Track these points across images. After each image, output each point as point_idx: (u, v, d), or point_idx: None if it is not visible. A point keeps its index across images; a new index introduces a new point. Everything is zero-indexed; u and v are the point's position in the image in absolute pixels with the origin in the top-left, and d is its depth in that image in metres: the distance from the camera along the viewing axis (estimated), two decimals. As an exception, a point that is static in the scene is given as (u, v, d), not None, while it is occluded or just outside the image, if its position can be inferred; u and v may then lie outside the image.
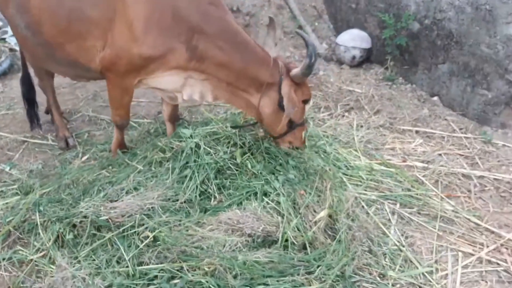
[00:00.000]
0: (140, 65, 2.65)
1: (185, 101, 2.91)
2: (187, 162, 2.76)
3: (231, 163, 2.83)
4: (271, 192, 2.65)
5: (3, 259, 2.50)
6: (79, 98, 4.58)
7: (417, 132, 4.00)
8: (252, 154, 2.92)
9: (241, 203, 2.65)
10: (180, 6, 2.58)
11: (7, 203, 2.95)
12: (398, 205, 3.03)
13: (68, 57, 2.80)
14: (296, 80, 2.74)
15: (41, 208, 2.71)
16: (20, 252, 2.54)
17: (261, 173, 2.80)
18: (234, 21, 2.76)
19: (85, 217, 2.47)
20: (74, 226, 2.53)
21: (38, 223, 2.63)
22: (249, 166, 2.82)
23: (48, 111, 4.00)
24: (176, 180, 2.68)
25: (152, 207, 2.49)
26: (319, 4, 6.32)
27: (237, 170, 2.82)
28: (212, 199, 2.68)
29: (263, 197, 2.64)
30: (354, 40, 5.22)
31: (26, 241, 2.64)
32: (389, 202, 3.03)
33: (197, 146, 2.84)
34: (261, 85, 2.72)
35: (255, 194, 2.68)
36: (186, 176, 2.69)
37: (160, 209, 2.49)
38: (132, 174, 2.76)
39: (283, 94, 2.73)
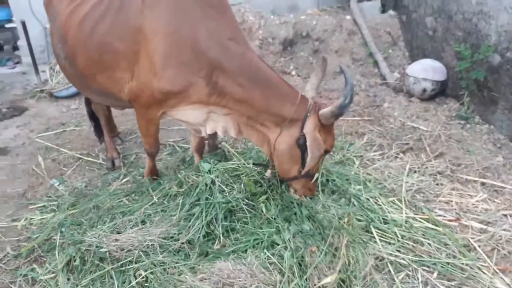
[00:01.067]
0: (160, 99, 2.65)
1: (209, 134, 2.85)
2: (198, 199, 2.68)
3: (244, 204, 2.68)
4: (278, 244, 2.43)
5: (20, 274, 2.66)
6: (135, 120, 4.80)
7: (483, 184, 3.42)
8: (270, 196, 2.74)
9: (246, 250, 2.48)
10: (199, 40, 2.54)
11: (42, 218, 3.17)
12: (435, 274, 2.57)
13: (100, 87, 2.92)
14: (324, 120, 2.54)
15: (63, 229, 2.84)
16: (36, 270, 2.68)
17: (275, 219, 2.60)
18: (257, 57, 2.64)
19: (90, 245, 2.50)
20: (84, 252, 2.60)
21: (57, 244, 2.76)
22: (264, 210, 2.64)
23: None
24: (183, 217, 2.61)
25: (152, 244, 2.44)
26: (394, 30, 5.88)
27: (250, 212, 2.66)
28: (216, 242, 2.54)
29: (269, 248, 2.43)
30: (425, 71, 4.72)
31: (45, 259, 2.78)
32: (424, 270, 2.58)
33: (213, 182, 2.74)
34: (283, 120, 2.57)
35: (263, 243, 2.48)
36: (193, 214, 2.61)
37: (159, 248, 2.42)
38: (146, 205, 2.75)
39: (306, 133, 2.56)
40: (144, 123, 2.93)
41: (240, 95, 2.58)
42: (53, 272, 2.60)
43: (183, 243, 2.48)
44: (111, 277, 2.40)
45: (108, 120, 4.05)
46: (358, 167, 3.58)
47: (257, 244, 2.50)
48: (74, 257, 2.57)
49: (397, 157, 3.81)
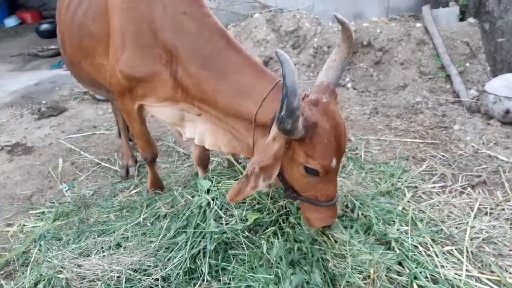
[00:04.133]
0: (126, 86, 2.24)
1: (189, 139, 2.32)
2: (186, 225, 2.15)
3: (244, 237, 2.10)
4: (274, 298, 1.82)
5: (-15, 292, 2.32)
6: (168, 127, 4.45)
7: None
8: (279, 228, 2.13)
9: (235, 299, 1.90)
10: (155, 18, 2.05)
11: (34, 226, 2.85)
12: None
13: (88, 76, 2.66)
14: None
15: (42, 243, 2.47)
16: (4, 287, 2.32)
17: (278, 261, 1.98)
18: (218, 36, 1.99)
19: (52, 268, 2.09)
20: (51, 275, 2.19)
21: (32, 260, 2.40)
22: (264, 248, 2.03)
23: (120, 134, 3.93)
24: (164, 245, 2.09)
25: (118, 277, 1.95)
26: (474, 40, 4.96)
27: (248, 248, 2.07)
28: (199, 282, 1.99)
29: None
30: (510, 88, 3.80)
31: (18, 275, 2.42)
32: None
33: (209, 205, 2.21)
34: (249, 123, 1.93)
35: (257, 292, 1.88)
36: (177, 244, 2.08)
37: (126, 282, 1.92)
38: (128, 225, 2.28)
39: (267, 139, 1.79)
40: (127, 118, 2.54)
41: (194, 88, 2.03)
42: (16, 294, 2.23)
43: (157, 279, 1.96)
44: (68, 312, 1.96)
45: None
46: (408, 201, 2.82)
47: (250, 292, 1.90)
48: (39, 279, 2.18)
49: (463, 193, 2.97)
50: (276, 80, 1.91)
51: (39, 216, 3.02)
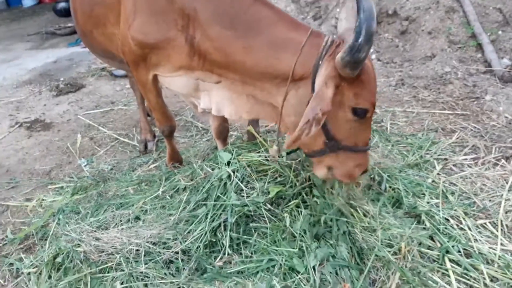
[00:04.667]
0: (139, 54, 2.13)
1: (204, 111, 2.22)
2: (207, 197, 2.07)
3: (266, 210, 2.01)
4: (298, 272, 1.73)
5: (6, 263, 2.31)
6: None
7: None
8: (302, 201, 2.03)
9: (257, 272, 1.82)
10: None
11: (53, 201, 2.83)
12: None
13: (101, 46, 2.57)
14: (342, 71, 1.65)
15: (61, 217, 2.44)
16: (24, 260, 2.31)
17: (301, 235, 1.89)
18: None
19: (70, 241, 2.05)
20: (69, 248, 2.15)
21: (51, 233, 2.37)
22: (287, 221, 1.94)
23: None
24: (184, 218, 2.02)
25: (137, 250, 1.89)
26: (508, 6, 4.65)
27: (270, 221, 1.98)
28: (220, 255, 1.91)
29: (287, 276, 1.74)
30: (549, 54, 3.55)
31: (37, 248, 2.40)
32: (526, 337, 1.69)
33: (230, 177, 2.12)
34: (285, 78, 1.80)
35: (280, 267, 1.79)
36: (197, 217, 2.00)
37: (145, 255, 1.87)
38: (147, 198, 2.22)
39: (316, 86, 1.73)
40: (142, 90, 2.44)
41: (215, 52, 1.90)
42: (36, 266, 2.20)
43: (176, 252, 1.89)
44: (86, 284, 1.91)
45: (146, 97, 3.63)
46: (438, 174, 2.67)
47: (272, 267, 1.81)
48: (58, 252, 2.15)
49: (496, 165, 2.80)
50: (309, 29, 1.82)
51: (57, 191, 3.00)
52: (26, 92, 5.11)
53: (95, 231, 2.05)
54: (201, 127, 3.79)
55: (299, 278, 1.68)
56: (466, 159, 2.88)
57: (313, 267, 1.71)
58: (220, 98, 2.04)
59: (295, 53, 1.76)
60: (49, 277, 2.09)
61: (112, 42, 2.38)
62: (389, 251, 1.79)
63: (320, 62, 1.71)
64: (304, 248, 1.80)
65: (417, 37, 4.98)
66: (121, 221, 2.09)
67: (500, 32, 4.57)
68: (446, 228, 2.11)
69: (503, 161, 2.82)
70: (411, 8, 5.10)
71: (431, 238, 2.05)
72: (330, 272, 1.69)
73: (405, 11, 5.12)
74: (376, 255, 1.79)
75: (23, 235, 2.47)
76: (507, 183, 2.58)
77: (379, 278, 1.69)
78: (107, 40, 2.42)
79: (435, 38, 4.82)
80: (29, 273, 2.17)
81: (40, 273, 2.13)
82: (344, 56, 1.56)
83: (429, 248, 1.99)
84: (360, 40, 1.49)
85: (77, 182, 3.02)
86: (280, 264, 1.77)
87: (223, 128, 2.61)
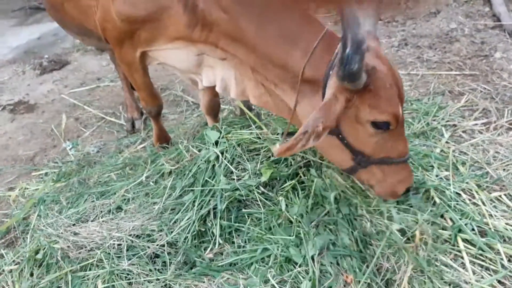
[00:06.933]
0: (126, 30, 1.88)
1: (206, 88, 2.00)
2: (193, 182, 1.88)
3: (260, 193, 1.83)
4: (296, 264, 1.56)
5: (-15, 262, 2.16)
6: (176, 75, 4.11)
7: None
8: (299, 183, 1.84)
9: (251, 264, 1.65)
10: None
11: (36, 189, 2.66)
12: None
13: (74, 22, 2.30)
14: (343, 85, 1.47)
15: (41, 208, 2.27)
16: (5, 256, 2.16)
17: (298, 220, 1.71)
18: None
19: (47, 236, 1.88)
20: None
21: (32, 226, 2.21)
22: (283, 206, 1.76)
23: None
24: (169, 207, 1.84)
25: (119, 244, 1.73)
26: (519, -48, 4.28)
27: (264, 206, 1.80)
28: (211, 246, 1.74)
29: (283, 268, 1.57)
30: None
31: (19, 243, 2.25)
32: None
33: (218, 159, 1.92)
34: (296, 76, 1.58)
35: (275, 258, 1.63)
36: (183, 204, 1.82)
37: (127, 250, 1.70)
38: (130, 186, 2.03)
39: (326, 96, 1.54)
40: (127, 70, 2.20)
41: (227, 26, 1.67)
42: (17, 263, 2.05)
43: (162, 245, 1.73)
44: (68, 283, 1.76)
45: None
46: (447, 142, 2.47)
47: (268, 257, 1.65)
48: (39, 247, 1.99)
49: (510, 129, 2.59)
50: (325, 29, 1.60)
51: (41, 178, 2.83)
52: (9, 72, 4.85)
53: (73, 224, 1.89)
54: (191, 101, 3.57)
55: (297, 271, 1.52)
56: (476, 124, 2.66)
57: (312, 257, 1.54)
58: (227, 75, 1.83)
59: (306, 50, 1.56)
60: (31, 274, 1.95)
61: (88, 16, 2.10)
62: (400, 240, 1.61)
63: (330, 72, 1.51)
64: (302, 235, 1.63)
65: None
66: (101, 212, 1.92)
67: (510, -19, 4.24)
68: (458, 203, 1.92)
69: (517, 125, 2.61)
70: (413, -39, 4.73)
71: (442, 216, 1.87)
72: (331, 262, 1.52)
73: (406, -36, 4.76)
74: (389, 238, 1.60)
75: (4, 228, 2.32)
76: (521, 149, 2.38)
77: (385, 268, 1.52)
78: (82, 15, 2.15)
79: (439, -8, 4.49)
80: (10, 271, 2.03)
81: (21, 271, 1.99)
82: (338, 70, 1.39)
83: (440, 228, 1.82)
84: (347, 51, 1.30)
85: (62, 167, 2.84)
86: (276, 255, 1.61)
87: (214, 103, 2.38)
